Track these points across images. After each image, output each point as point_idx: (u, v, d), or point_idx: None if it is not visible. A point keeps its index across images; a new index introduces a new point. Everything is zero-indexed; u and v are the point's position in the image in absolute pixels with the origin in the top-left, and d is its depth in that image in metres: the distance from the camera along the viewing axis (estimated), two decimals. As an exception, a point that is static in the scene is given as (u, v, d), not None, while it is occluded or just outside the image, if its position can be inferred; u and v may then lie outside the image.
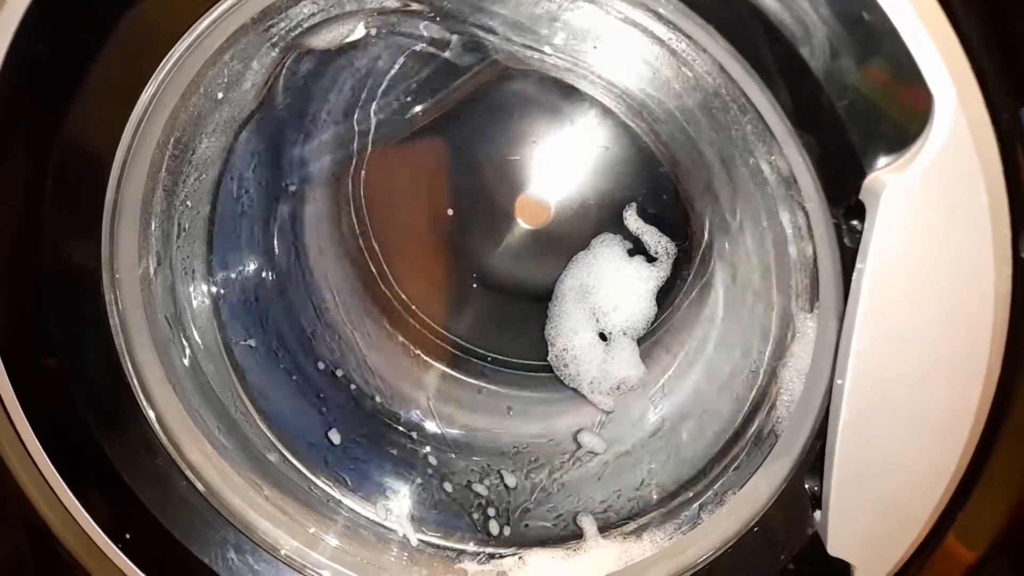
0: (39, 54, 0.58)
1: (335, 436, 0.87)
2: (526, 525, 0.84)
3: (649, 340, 0.85)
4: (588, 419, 0.88)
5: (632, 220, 0.81)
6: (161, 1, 0.57)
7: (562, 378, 0.85)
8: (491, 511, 0.85)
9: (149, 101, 0.62)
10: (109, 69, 0.58)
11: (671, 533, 0.73)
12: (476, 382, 0.95)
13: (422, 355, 0.96)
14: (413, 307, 0.96)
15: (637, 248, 0.82)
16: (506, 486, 0.86)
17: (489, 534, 0.83)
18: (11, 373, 0.66)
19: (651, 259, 0.82)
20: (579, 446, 0.87)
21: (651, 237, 0.81)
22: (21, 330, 0.66)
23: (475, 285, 0.91)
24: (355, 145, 0.85)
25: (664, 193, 0.80)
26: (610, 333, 0.84)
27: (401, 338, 0.96)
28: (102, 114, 0.61)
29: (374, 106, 0.82)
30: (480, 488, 0.87)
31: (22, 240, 0.63)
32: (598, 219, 0.82)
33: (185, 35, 0.59)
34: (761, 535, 0.66)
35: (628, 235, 0.82)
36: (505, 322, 0.93)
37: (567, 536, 0.80)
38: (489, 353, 0.95)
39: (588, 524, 0.80)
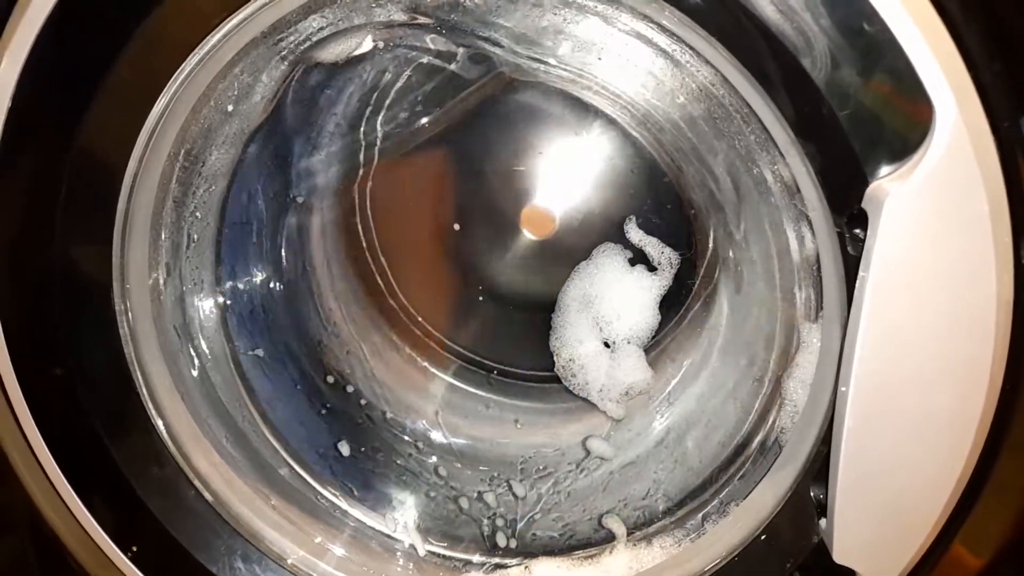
0: (55, 64, 0.59)
1: (344, 448, 0.87)
2: (532, 535, 0.83)
3: (654, 350, 0.85)
4: (595, 428, 0.88)
5: (636, 230, 0.82)
6: (174, 14, 0.58)
7: (571, 388, 0.85)
8: (497, 521, 0.85)
9: (161, 112, 0.62)
10: (123, 80, 0.59)
11: (677, 542, 0.73)
12: (483, 393, 0.95)
13: (429, 366, 0.96)
14: (419, 319, 0.96)
15: (639, 257, 0.83)
16: (514, 496, 0.86)
17: (495, 544, 0.83)
18: (22, 380, 0.66)
19: (652, 268, 0.82)
20: (588, 453, 0.87)
21: (654, 248, 0.82)
22: (32, 338, 0.66)
23: (481, 297, 0.91)
24: (362, 157, 0.86)
25: (668, 203, 0.80)
26: (614, 342, 0.84)
27: (407, 349, 0.96)
28: (115, 125, 0.61)
29: (381, 118, 0.83)
30: (487, 498, 0.87)
31: (34, 248, 0.64)
32: (603, 229, 0.83)
33: (197, 48, 0.60)
34: (767, 544, 0.66)
35: (630, 245, 0.82)
36: (511, 333, 0.93)
37: (573, 546, 0.80)
38: (496, 364, 0.95)
39: (616, 525, 0.79)
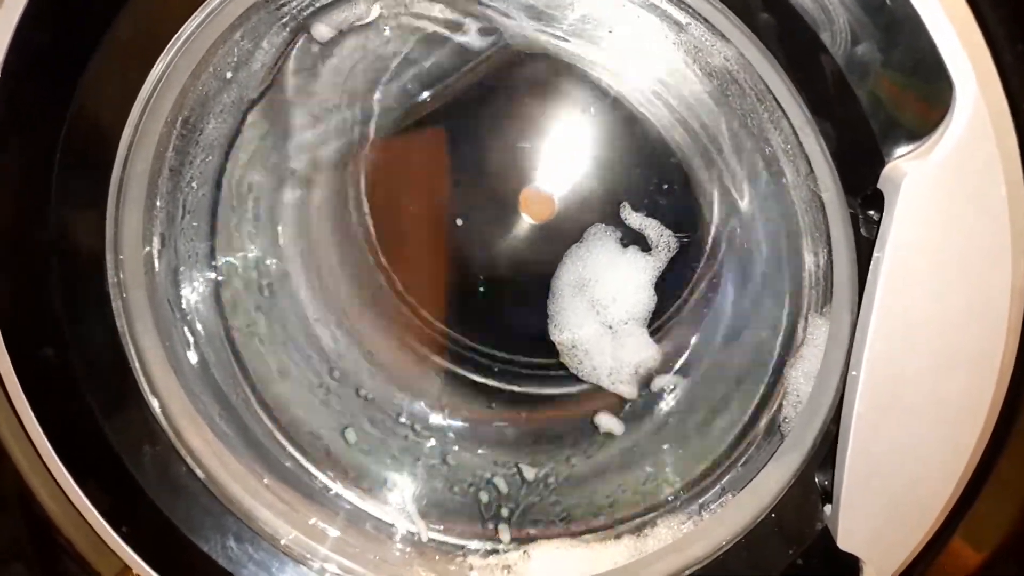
0: (51, 26, 0.57)
1: (351, 435, 0.86)
2: (531, 520, 0.83)
3: (657, 333, 0.84)
4: (601, 410, 0.87)
5: (637, 212, 0.80)
6: (174, -26, 0.57)
7: (580, 375, 0.83)
8: (496, 505, 0.84)
9: (159, 78, 0.61)
10: (121, 42, 0.57)
11: (678, 527, 0.72)
12: (483, 380, 0.93)
13: (428, 349, 0.95)
14: (417, 303, 0.94)
15: (633, 238, 0.81)
16: (516, 480, 0.85)
17: (494, 528, 0.82)
18: (13, 356, 0.65)
19: (646, 249, 0.81)
20: (596, 429, 0.85)
21: (654, 230, 0.80)
22: (25, 311, 0.65)
23: (481, 288, 0.89)
24: (363, 130, 0.84)
25: (676, 183, 0.79)
26: (611, 326, 0.83)
27: (406, 331, 0.95)
28: (112, 88, 0.60)
29: (384, 90, 0.81)
30: (485, 482, 0.86)
31: (29, 218, 0.62)
32: (608, 211, 0.81)
33: (197, 11, 0.59)
34: (771, 529, 0.65)
35: (623, 226, 0.81)
36: (512, 318, 0.92)
37: (573, 531, 0.80)
38: (496, 350, 0.94)
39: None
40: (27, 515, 0.74)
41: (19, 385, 0.66)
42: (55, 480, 0.69)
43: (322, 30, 0.71)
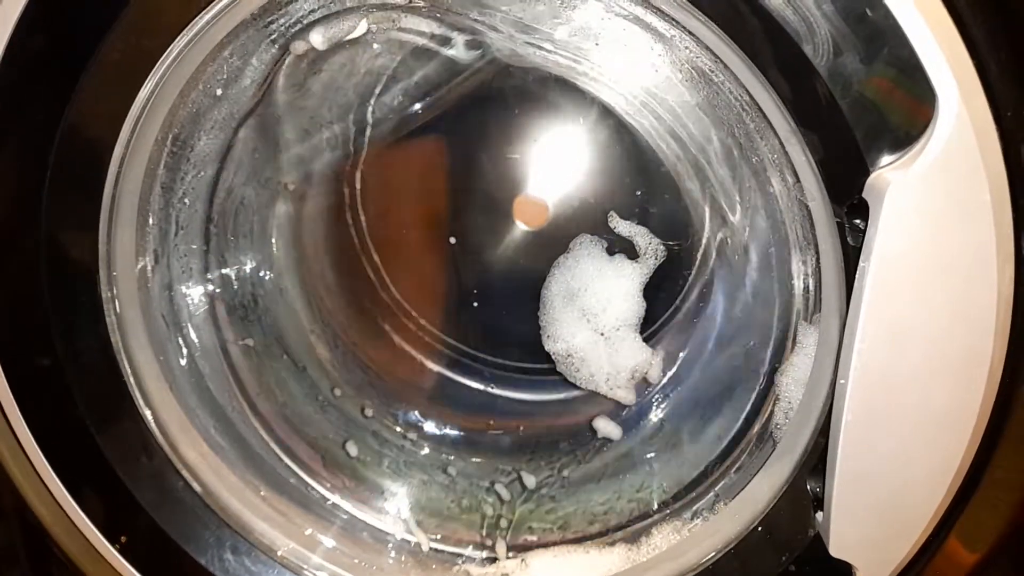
0: (41, 45, 0.57)
1: (352, 448, 0.86)
2: (528, 527, 0.83)
3: (650, 341, 0.84)
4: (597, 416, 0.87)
5: (627, 220, 0.81)
6: (162, -5, 0.57)
7: (577, 383, 0.83)
8: (493, 513, 0.84)
9: (148, 96, 0.62)
10: (110, 61, 0.58)
11: (672, 535, 0.72)
12: (479, 386, 0.94)
13: (423, 359, 0.95)
14: (412, 311, 0.95)
15: (620, 246, 0.81)
16: (516, 487, 0.86)
17: (491, 537, 0.82)
18: (8, 370, 0.66)
19: (634, 256, 0.81)
20: (595, 433, 0.85)
21: (643, 238, 0.81)
22: (18, 327, 0.66)
23: (475, 296, 0.90)
24: (354, 144, 0.84)
25: (665, 192, 0.79)
26: (604, 333, 0.83)
27: (400, 340, 0.95)
28: (103, 107, 0.60)
29: (373, 104, 0.82)
30: (481, 491, 0.86)
31: (21, 234, 0.63)
32: (598, 219, 0.82)
33: (186, 30, 0.59)
34: (763, 537, 0.65)
35: (610, 234, 0.81)
36: (506, 325, 0.92)
37: (568, 538, 0.80)
38: (491, 357, 0.94)
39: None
40: (23, 527, 0.74)
41: (13, 398, 0.66)
42: (51, 493, 0.69)
43: (298, 45, 0.71)
